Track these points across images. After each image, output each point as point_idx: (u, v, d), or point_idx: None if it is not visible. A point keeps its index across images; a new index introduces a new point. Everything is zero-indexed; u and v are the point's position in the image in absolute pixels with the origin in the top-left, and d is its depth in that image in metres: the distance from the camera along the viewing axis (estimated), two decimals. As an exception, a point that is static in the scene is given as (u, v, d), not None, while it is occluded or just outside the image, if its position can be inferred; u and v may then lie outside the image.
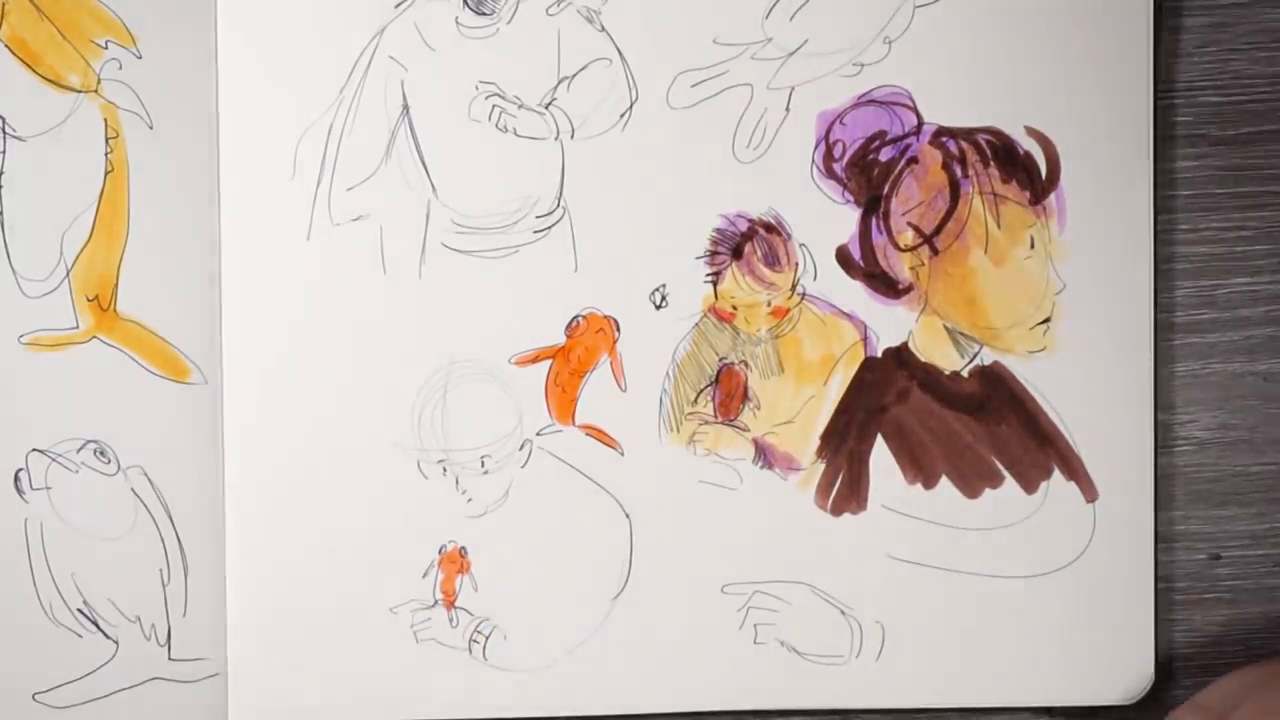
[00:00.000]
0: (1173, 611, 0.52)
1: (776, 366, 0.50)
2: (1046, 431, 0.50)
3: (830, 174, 0.50)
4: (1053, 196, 0.50)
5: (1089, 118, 0.50)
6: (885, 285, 0.50)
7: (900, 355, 0.50)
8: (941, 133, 0.50)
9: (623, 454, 0.50)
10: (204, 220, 0.49)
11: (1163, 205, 0.51)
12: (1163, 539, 0.51)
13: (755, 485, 0.50)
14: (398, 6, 0.49)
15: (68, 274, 0.49)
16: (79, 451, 0.49)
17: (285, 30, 0.49)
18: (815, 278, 0.50)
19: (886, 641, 0.50)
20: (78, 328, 0.49)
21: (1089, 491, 0.50)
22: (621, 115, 0.49)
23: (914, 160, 0.50)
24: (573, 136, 0.49)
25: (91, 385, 0.49)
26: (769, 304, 0.50)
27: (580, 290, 0.50)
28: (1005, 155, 0.50)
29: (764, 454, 0.50)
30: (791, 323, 0.50)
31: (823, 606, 0.50)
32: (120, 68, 0.49)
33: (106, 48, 0.49)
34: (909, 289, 0.50)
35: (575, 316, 0.50)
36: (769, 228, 0.50)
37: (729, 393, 0.50)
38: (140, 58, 0.49)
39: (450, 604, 0.50)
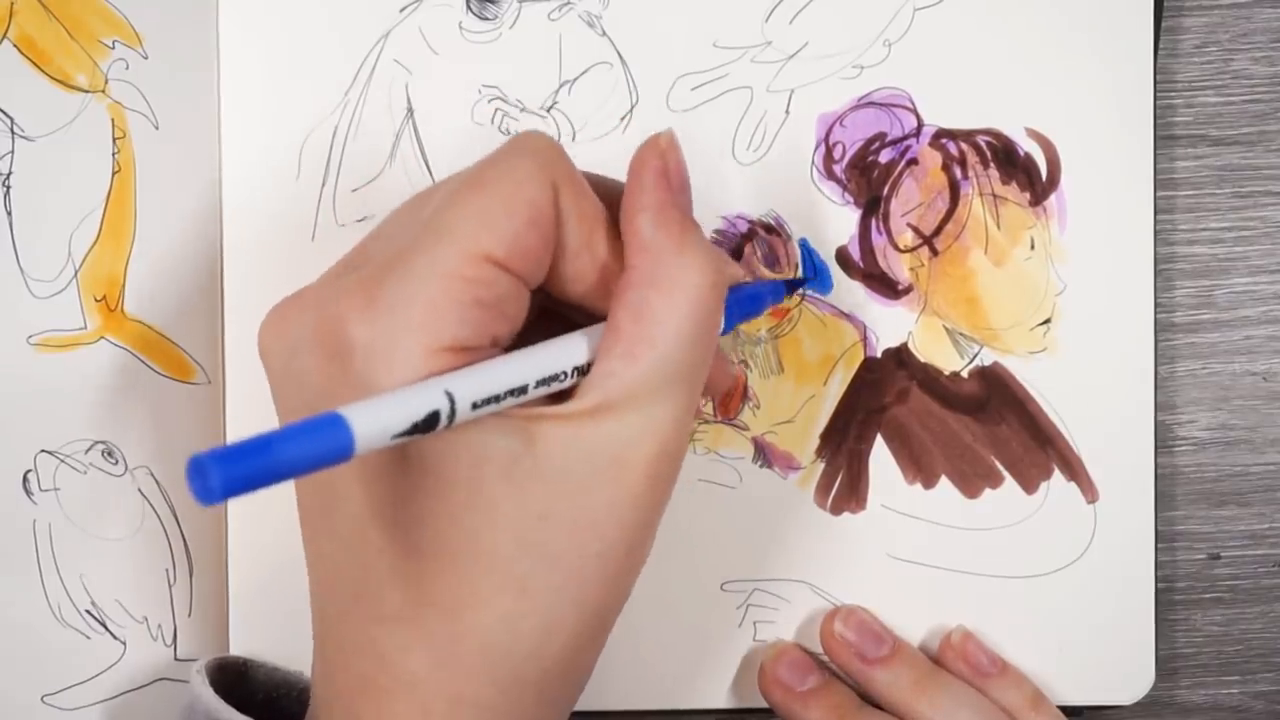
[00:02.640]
0: (1173, 611, 0.52)
1: (776, 366, 0.50)
2: (1047, 432, 0.50)
3: (830, 175, 0.50)
4: (1053, 198, 0.50)
5: (1089, 119, 0.50)
6: (885, 286, 0.50)
7: (900, 356, 0.50)
8: (941, 134, 0.50)
9: (623, 453, 0.50)
10: (209, 220, 0.49)
11: (1163, 205, 0.51)
12: (1163, 539, 0.51)
13: (754, 484, 0.50)
14: (402, 11, 0.50)
15: (75, 274, 0.49)
16: (87, 453, 0.49)
17: (290, 34, 0.49)
18: (815, 278, 0.50)
19: (887, 641, 0.51)
20: (86, 328, 0.49)
21: (1089, 492, 0.50)
22: (622, 118, 0.50)
23: (914, 162, 0.50)
24: (574, 139, 0.49)
25: (100, 386, 0.49)
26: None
27: (582, 291, 0.50)
28: (1005, 156, 0.50)
29: (763, 453, 0.50)
30: (791, 323, 0.50)
31: (822, 605, 0.50)
32: (127, 68, 0.49)
33: (114, 48, 0.49)
34: (908, 290, 0.50)
35: (577, 317, 0.50)
36: (769, 229, 0.50)
37: (729, 392, 0.50)
38: (146, 58, 0.49)
39: (453, 603, 0.50)
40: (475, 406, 0.34)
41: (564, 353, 0.37)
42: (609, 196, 0.38)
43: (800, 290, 0.50)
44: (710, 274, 0.37)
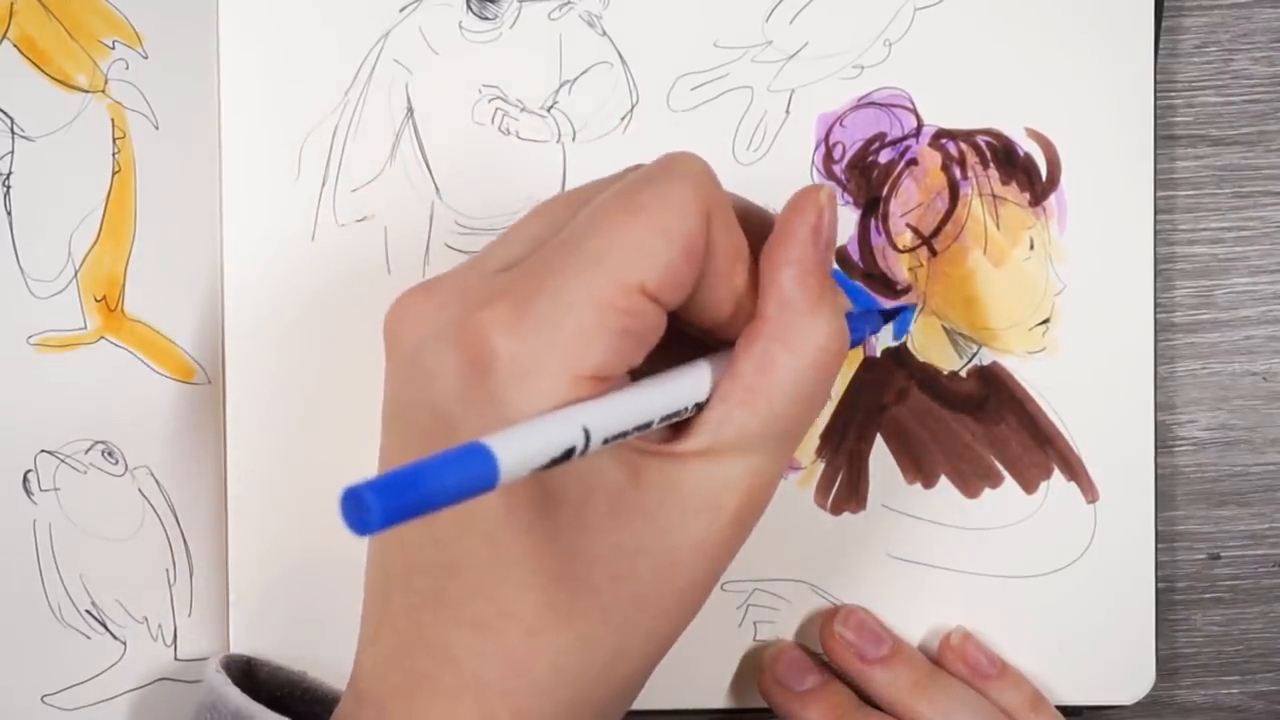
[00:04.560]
0: (1173, 611, 0.52)
1: (776, 367, 0.50)
2: (1046, 432, 0.50)
3: (830, 175, 0.50)
4: (1053, 198, 0.50)
5: (1089, 119, 0.50)
6: (884, 286, 0.50)
7: (899, 355, 0.50)
8: (941, 134, 0.50)
9: (623, 453, 0.50)
10: (209, 220, 0.49)
11: (1163, 205, 0.51)
12: (1163, 539, 0.51)
13: (755, 485, 0.50)
14: (402, 10, 0.50)
15: (76, 274, 0.49)
16: (87, 453, 0.49)
17: (290, 34, 0.49)
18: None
19: (887, 640, 0.51)
20: (86, 328, 0.49)
21: (1089, 492, 0.50)
22: (623, 118, 0.50)
23: (913, 162, 0.50)
24: (574, 139, 0.49)
25: (100, 386, 0.49)
26: (769, 304, 0.50)
27: (582, 291, 0.50)
28: (1005, 157, 0.50)
29: (763, 453, 0.50)
30: (791, 323, 0.50)
31: (822, 605, 0.50)
32: (127, 68, 0.49)
33: (114, 48, 0.49)
34: (907, 289, 0.50)
35: (577, 317, 0.50)
36: (769, 229, 0.50)
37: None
38: (146, 58, 0.49)
39: (453, 603, 0.50)
40: (605, 442, 0.34)
41: (688, 388, 0.37)
42: (745, 221, 0.38)
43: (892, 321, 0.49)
44: (838, 339, 0.37)
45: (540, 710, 0.36)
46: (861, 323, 0.44)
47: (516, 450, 0.32)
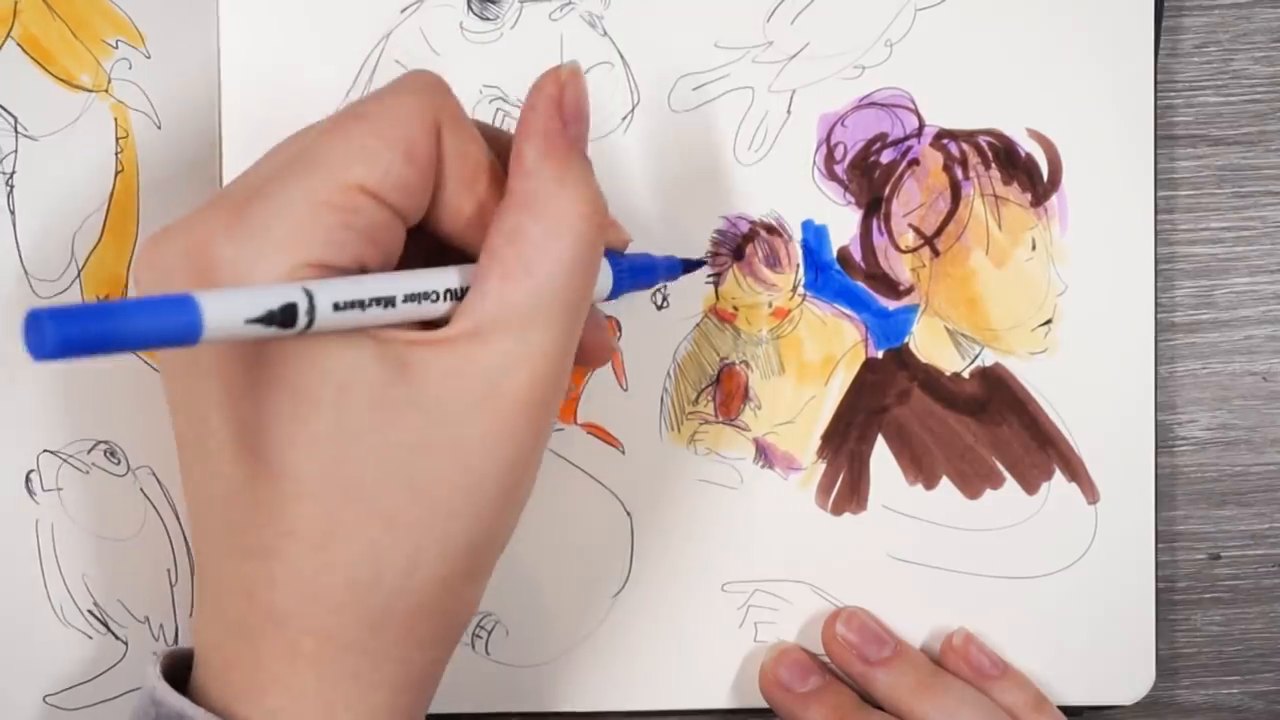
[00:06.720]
0: (1173, 611, 0.52)
1: (777, 367, 0.50)
2: (1048, 433, 0.50)
3: (831, 176, 0.50)
4: (1054, 198, 0.50)
5: (1090, 119, 0.50)
6: (886, 286, 0.50)
7: (901, 356, 0.50)
8: (942, 135, 0.50)
9: (624, 452, 0.50)
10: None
11: (1163, 205, 0.51)
12: (1163, 539, 0.51)
13: (756, 485, 0.50)
14: (403, 11, 0.50)
15: (79, 273, 0.49)
16: (90, 452, 0.49)
17: (291, 34, 0.49)
18: (816, 278, 0.50)
19: (888, 640, 0.51)
20: (88, 328, 0.49)
21: (1090, 493, 0.50)
22: (623, 119, 0.50)
23: (915, 162, 0.50)
24: (575, 139, 0.49)
25: (102, 386, 0.49)
26: (770, 305, 0.50)
27: (583, 291, 0.50)
28: (1006, 157, 0.50)
29: (764, 454, 0.50)
30: (792, 323, 0.50)
31: (823, 606, 0.50)
32: (130, 67, 0.49)
33: (117, 47, 0.49)
34: (910, 290, 0.50)
35: (578, 317, 0.50)
36: (770, 229, 0.50)
37: (730, 392, 0.50)
38: (149, 58, 0.49)
39: (454, 602, 0.50)
40: (337, 308, 0.34)
41: (436, 276, 0.36)
42: (502, 149, 0.38)
43: (695, 272, 0.49)
44: (589, 204, 0.37)
45: (343, 631, 0.36)
46: (654, 265, 0.44)
47: (223, 300, 0.31)
